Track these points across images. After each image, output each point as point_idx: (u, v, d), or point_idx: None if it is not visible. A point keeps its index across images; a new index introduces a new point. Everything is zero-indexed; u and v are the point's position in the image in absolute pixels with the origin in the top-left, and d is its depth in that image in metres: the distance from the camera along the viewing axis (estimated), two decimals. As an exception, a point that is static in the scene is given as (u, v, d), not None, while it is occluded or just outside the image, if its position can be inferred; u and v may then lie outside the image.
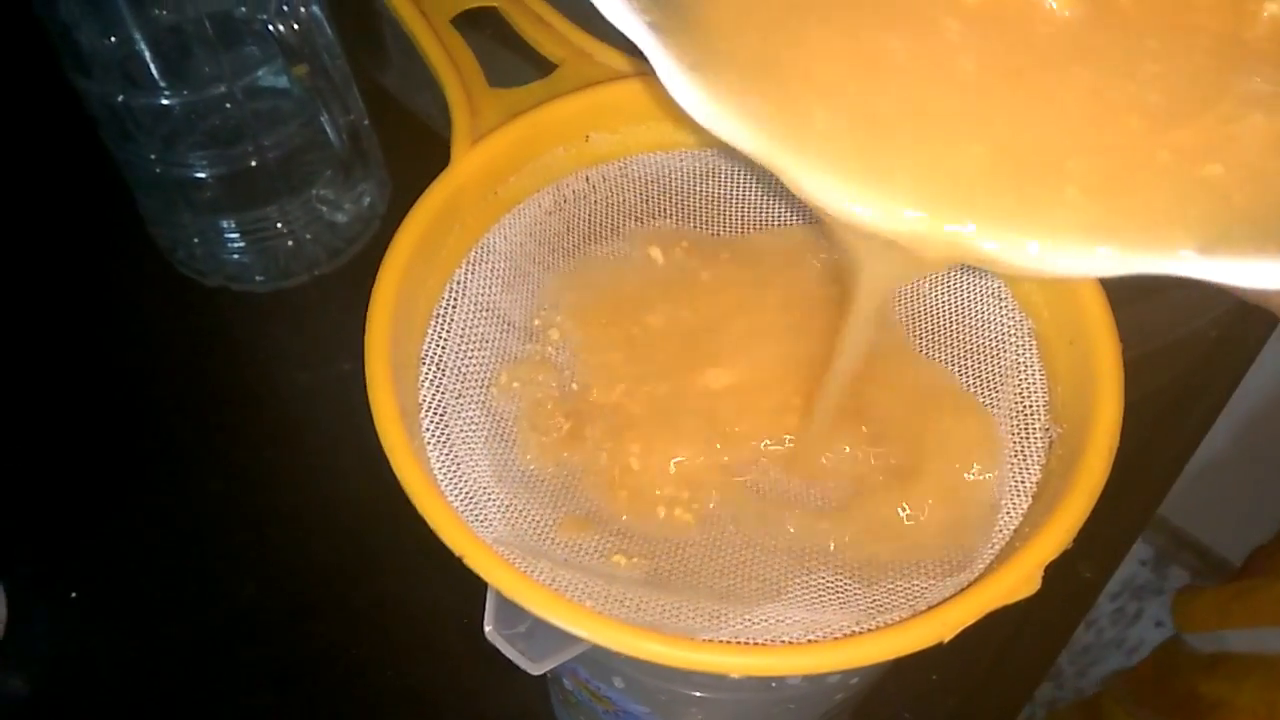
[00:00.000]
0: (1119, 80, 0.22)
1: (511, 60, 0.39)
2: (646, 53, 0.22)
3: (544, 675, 0.30)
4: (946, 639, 0.25)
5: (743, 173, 0.37)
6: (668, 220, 0.37)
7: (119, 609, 0.49)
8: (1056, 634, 0.50)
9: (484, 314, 0.34)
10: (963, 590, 0.26)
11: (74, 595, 0.49)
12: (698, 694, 0.32)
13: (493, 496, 0.30)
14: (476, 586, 0.27)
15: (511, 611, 0.28)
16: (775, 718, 0.36)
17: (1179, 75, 0.22)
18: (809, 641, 0.25)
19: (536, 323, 0.35)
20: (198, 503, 0.51)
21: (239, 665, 0.47)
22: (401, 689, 0.46)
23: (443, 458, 0.30)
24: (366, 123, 0.52)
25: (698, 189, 0.37)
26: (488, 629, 0.29)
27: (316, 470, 0.52)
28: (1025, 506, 0.30)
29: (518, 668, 0.29)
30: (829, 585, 0.29)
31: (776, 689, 0.33)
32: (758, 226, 0.37)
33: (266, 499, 0.51)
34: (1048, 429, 0.31)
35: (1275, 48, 0.22)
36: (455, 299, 0.33)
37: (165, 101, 0.48)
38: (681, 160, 0.37)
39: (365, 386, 0.28)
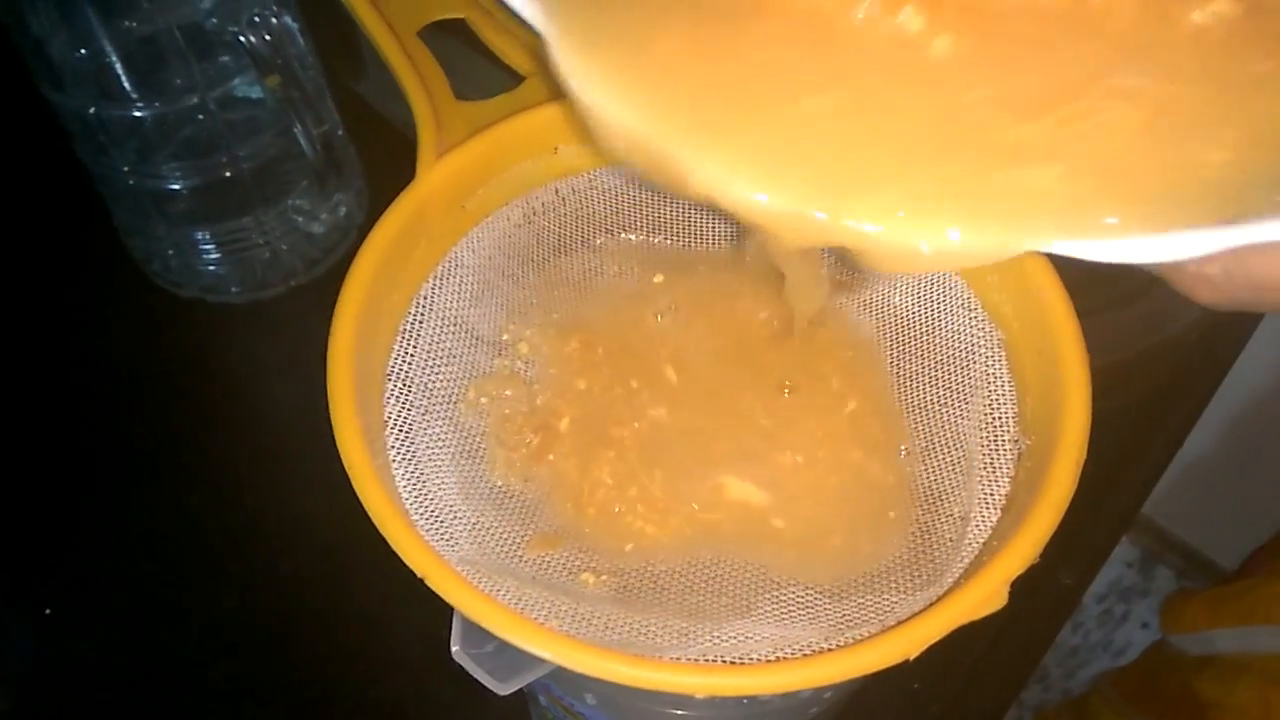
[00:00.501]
0: (974, 80, 0.22)
1: (485, 67, 0.39)
2: (536, 27, 0.23)
3: (521, 691, 0.30)
4: (913, 656, 0.24)
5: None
6: (638, 232, 0.37)
7: (95, 624, 0.48)
8: (1037, 641, 0.50)
9: (451, 329, 0.33)
10: (929, 606, 0.26)
11: (49, 611, 0.48)
12: (670, 710, 0.32)
13: (459, 515, 0.30)
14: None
15: (477, 631, 0.27)
16: (750, 731, 0.36)
17: (1036, 74, 0.22)
18: (774, 660, 0.25)
19: (505, 337, 0.35)
20: (173, 516, 0.51)
21: (215, 680, 0.47)
22: (379, 704, 0.46)
23: (408, 476, 0.30)
24: (341, 133, 0.52)
25: (667, 201, 0.37)
26: (454, 649, 0.29)
27: (293, 483, 0.51)
28: (994, 519, 0.30)
29: (491, 685, 0.29)
30: (798, 600, 0.29)
31: (749, 704, 0.32)
32: (728, 238, 0.37)
33: (243, 512, 0.51)
34: (1017, 441, 0.31)
35: (1142, 42, 0.23)
36: (422, 314, 0.33)
37: (138, 113, 0.48)
38: (651, 172, 0.36)
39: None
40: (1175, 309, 0.57)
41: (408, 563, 0.25)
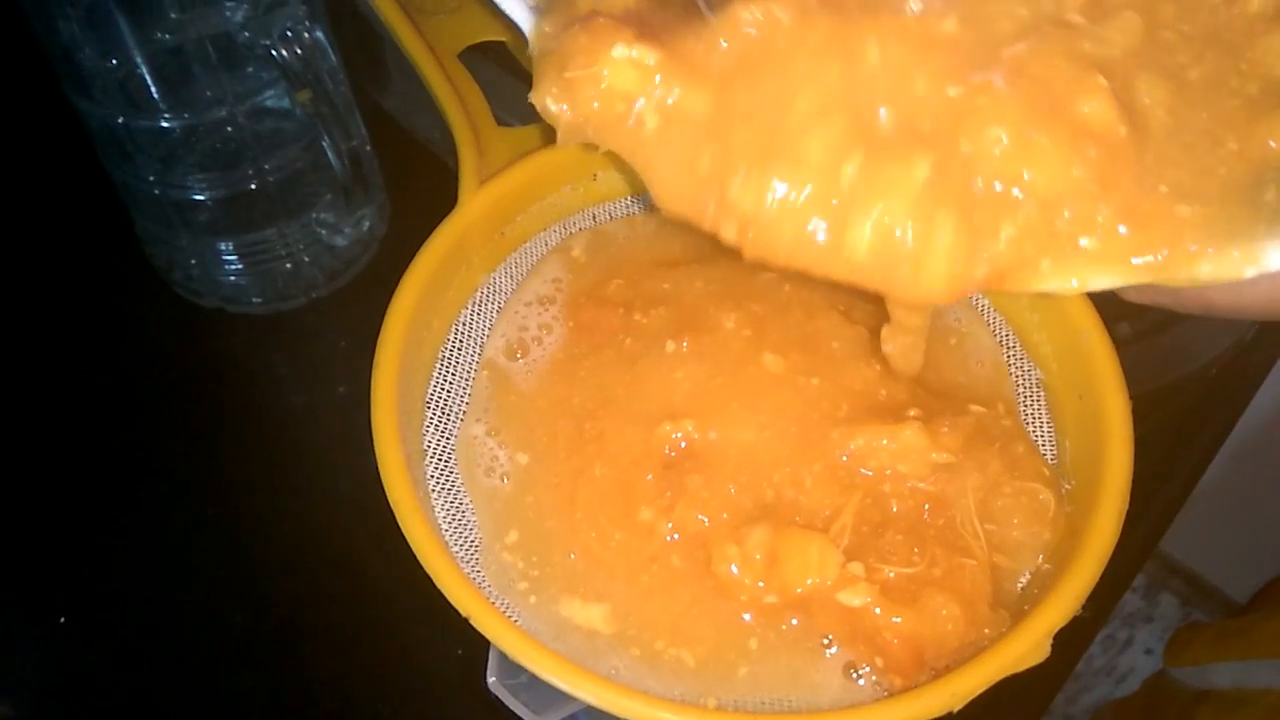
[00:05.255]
0: None
1: (523, 91, 0.39)
2: None
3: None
4: (956, 709, 0.24)
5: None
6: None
7: (109, 635, 0.48)
8: (1055, 674, 0.50)
9: (489, 356, 0.33)
10: (971, 658, 0.25)
11: (63, 620, 0.48)
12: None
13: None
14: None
15: (513, 662, 0.27)
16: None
17: None
18: (817, 710, 0.25)
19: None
20: (190, 527, 0.50)
21: (229, 693, 0.47)
22: (394, 723, 0.46)
23: (447, 506, 0.30)
24: (369, 148, 0.52)
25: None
26: (490, 680, 0.29)
27: (311, 495, 0.51)
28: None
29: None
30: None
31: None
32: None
33: (260, 524, 0.50)
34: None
35: None
36: (460, 341, 0.33)
37: (165, 124, 0.48)
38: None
39: (365, 417, 0.29)
40: (1194, 345, 0.56)
41: (453, 602, 0.25)
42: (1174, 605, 1.17)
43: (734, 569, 0.28)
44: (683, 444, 0.31)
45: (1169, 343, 0.54)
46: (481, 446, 0.32)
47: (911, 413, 0.31)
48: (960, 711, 0.46)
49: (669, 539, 0.29)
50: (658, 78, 0.25)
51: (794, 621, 0.28)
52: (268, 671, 0.47)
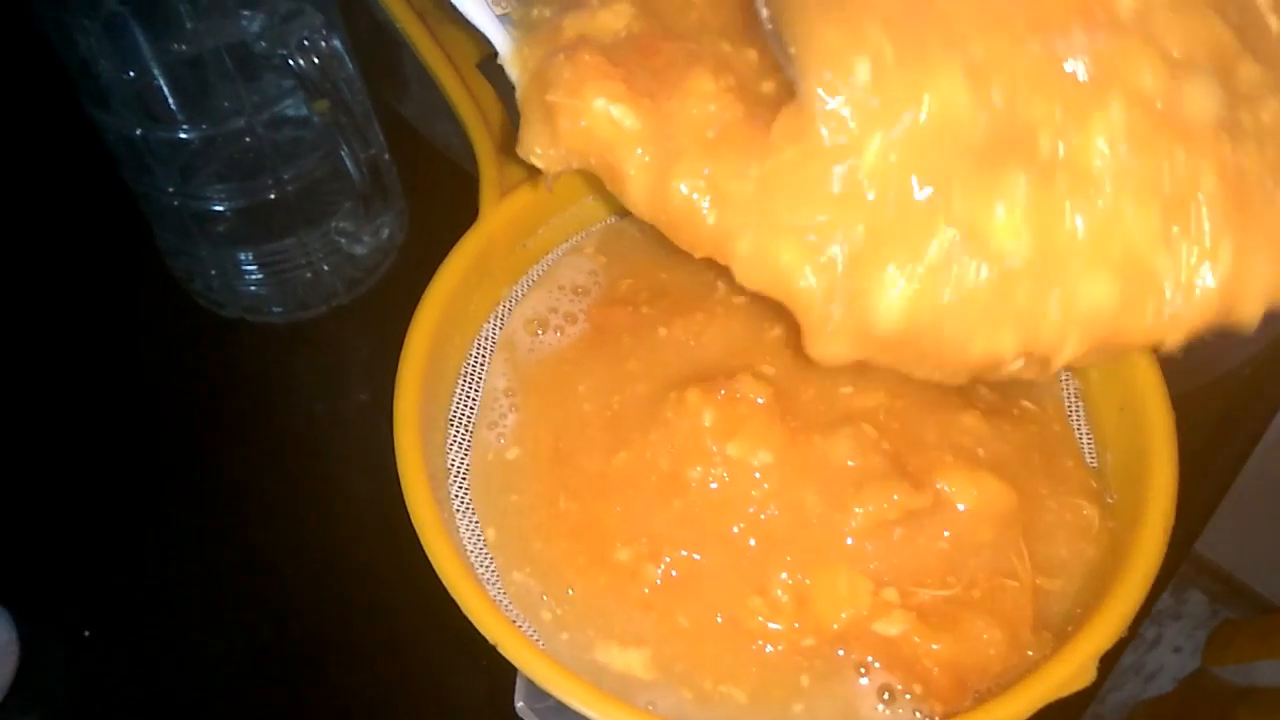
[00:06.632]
0: None
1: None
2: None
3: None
4: (1000, 736, 0.24)
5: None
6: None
7: (133, 648, 0.48)
8: (1087, 690, 0.49)
9: (510, 371, 0.33)
10: (1014, 682, 0.25)
11: (88, 634, 0.48)
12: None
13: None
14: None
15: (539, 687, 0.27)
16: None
17: None
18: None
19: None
20: (213, 538, 0.50)
21: (253, 707, 0.47)
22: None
23: (471, 525, 0.29)
24: (387, 156, 0.51)
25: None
26: (518, 705, 0.28)
27: (335, 504, 0.51)
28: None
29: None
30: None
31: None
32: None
33: (283, 535, 0.50)
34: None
35: None
36: (482, 356, 0.32)
37: (184, 135, 0.47)
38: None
39: (387, 425, 0.28)
40: (1229, 346, 0.55)
41: (480, 629, 0.24)
42: (1202, 603, 1.15)
43: (762, 620, 0.27)
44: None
45: (1203, 344, 0.53)
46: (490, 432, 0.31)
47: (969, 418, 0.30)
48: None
49: (659, 583, 0.28)
50: (637, 148, 0.24)
51: (839, 653, 0.27)
52: (292, 685, 0.47)
